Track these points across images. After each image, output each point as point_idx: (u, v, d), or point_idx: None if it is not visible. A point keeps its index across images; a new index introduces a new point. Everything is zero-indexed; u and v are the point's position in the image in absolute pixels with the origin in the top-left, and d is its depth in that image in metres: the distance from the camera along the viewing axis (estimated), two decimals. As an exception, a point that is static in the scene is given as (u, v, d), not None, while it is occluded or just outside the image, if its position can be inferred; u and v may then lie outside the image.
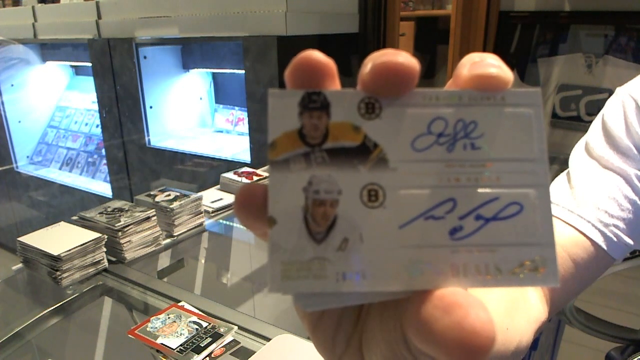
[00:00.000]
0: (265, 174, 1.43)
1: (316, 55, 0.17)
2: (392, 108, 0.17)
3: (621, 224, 0.40)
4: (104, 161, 2.63)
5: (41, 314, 0.93)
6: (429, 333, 0.15)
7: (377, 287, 0.16)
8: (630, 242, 0.41)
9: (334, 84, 0.17)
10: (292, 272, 0.16)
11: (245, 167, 1.51)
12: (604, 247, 0.40)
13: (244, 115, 2.36)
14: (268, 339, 0.79)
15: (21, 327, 0.90)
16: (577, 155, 0.46)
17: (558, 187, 0.44)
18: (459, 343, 0.14)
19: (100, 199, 2.51)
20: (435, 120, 0.17)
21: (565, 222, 0.41)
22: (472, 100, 0.17)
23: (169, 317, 0.83)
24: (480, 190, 0.17)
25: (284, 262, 0.16)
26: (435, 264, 0.16)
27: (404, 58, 0.16)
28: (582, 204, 0.41)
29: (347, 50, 1.98)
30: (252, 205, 0.17)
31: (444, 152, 0.17)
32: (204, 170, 2.12)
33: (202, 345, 0.77)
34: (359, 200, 0.16)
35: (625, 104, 0.44)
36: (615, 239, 0.40)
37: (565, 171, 0.46)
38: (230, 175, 1.43)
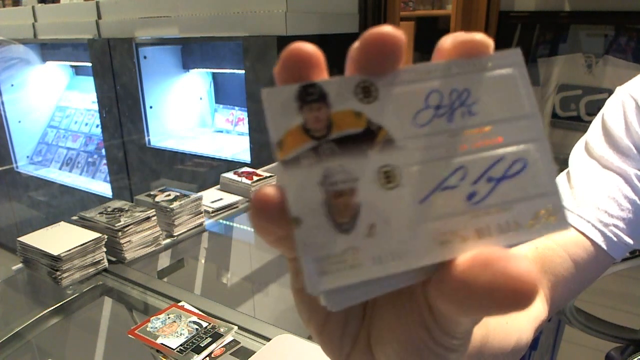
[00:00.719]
0: (265, 174, 1.43)
1: (303, 46, 0.17)
2: (388, 88, 0.17)
3: (621, 224, 0.40)
4: (104, 161, 2.63)
5: (41, 314, 0.93)
6: (473, 291, 0.15)
7: (412, 265, 0.16)
8: (630, 241, 0.41)
9: (323, 74, 0.17)
10: (328, 267, 0.16)
11: (245, 167, 1.51)
12: (604, 247, 0.40)
13: (244, 115, 2.36)
14: (268, 339, 0.79)
15: (21, 327, 0.90)
16: (577, 155, 0.46)
17: None
18: (506, 291, 0.14)
19: (100, 199, 2.51)
20: (431, 93, 0.17)
21: None
22: (460, 68, 0.17)
23: (169, 317, 0.83)
24: (485, 153, 0.17)
25: (318, 259, 0.16)
26: (461, 231, 0.16)
27: (389, 28, 0.17)
28: (582, 203, 0.41)
29: (347, 50, 1.97)
30: (270, 210, 0.16)
31: (445, 123, 0.17)
32: (204, 170, 2.12)
33: (202, 345, 0.77)
34: (376, 183, 0.17)
35: (625, 103, 0.43)
36: (615, 238, 0.40)
37: (565, 171, 0.46)
38: (230, 175, 1.43)
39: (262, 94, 0.17)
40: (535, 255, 0.39)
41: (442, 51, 0.18)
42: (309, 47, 0.17)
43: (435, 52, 0.18)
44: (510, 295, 0.14)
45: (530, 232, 0.17)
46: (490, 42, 0.18)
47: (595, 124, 0.46)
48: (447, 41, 0.18)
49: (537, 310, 0.36)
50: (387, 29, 0.16)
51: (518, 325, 0.31)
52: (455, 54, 0.17)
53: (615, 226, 0.40)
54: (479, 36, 0.17)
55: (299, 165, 0.16)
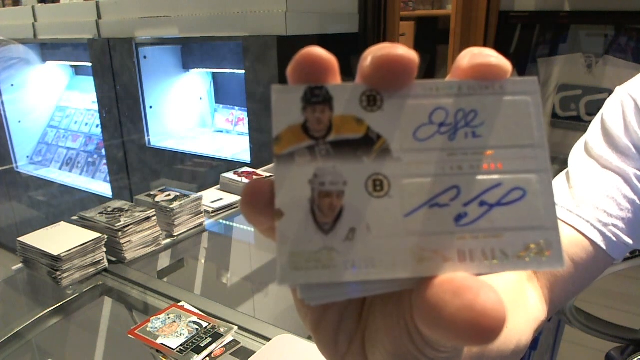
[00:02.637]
0: (265, 174, 1.43)
1: (317, 51, 0.17)
2: (394, 100, 0.17)
3: (620, 224, 0.40)
4: (104, 161, 2.63)
5: (41, 314, 0.93)
6: (439, 317, 0.15)
7: (385, 275, 0.16)
8: (630, 241, 0.41)
9: (335, 79, 0.18)
10: (301, 263, 0.16)
11: (245, 167, 1.51)
12: (604, 247, 0.40)
13: (244, 115, 2.36)
14: (268, 339, 0.79)
15: (21, 327, 0.90)
16: (576, 154, 0.46)
17: (557, 187, 0.44)
18: (470, 325, 0.14)
19: (100, 199, 2.51)
20: (436, 110, 0.17)
21: (564, 222, 0.41)
22: (471, 90, 0.17)
23: (169, 317, 0.83)
24: (483, 177, 0.17)
25: (292, 253, 0.16)
26: (442, 251, 0.16)
27: (403, 50, 0.17)
28: (581, 203, 0.41)
29: (347, 50, 1.98)
30: (259, 201, 0.17)
31: (445, 141, 0.17)
32: (204, 170, 2.12)
33: (202, 345, 0.77)
34: (364, 190, 0.17)
35: (624, 103, 0.43)
36: (614, 238, 0.40)
37: (565, 171, 0.46)
38: (230, 175, 1.43)
39: (271, 89, 0.17)
40: None
41: (459, 70, 0.18)
42: (323, 52, 0.17)
43: (453, 68, 0.18)
44: (473, 329, 0.14)
45: (515, 264, 0.16)
46: (509, 67, 0.17)
47: (595, 124, 0.46)
48: (465, 60, 0.18)
49: (537, 311, 0.36)
50: (401, 50, 0.16)
51: (517, 328, 0.31)
52: (471, 75, 0.17)
53: (615, 226, 0.40)
54: (499, 61, 0.17)
55: (292, 162, 0.17)
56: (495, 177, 0.17)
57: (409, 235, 0.16)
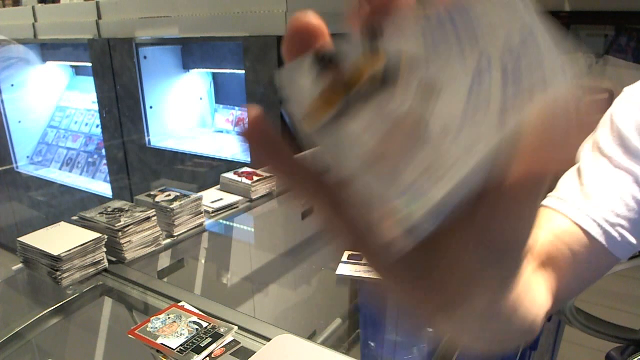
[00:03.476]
0: (265, 174, 1.43)
1: (303, 19, 0.17)
2: (389, 23, 0.17)
3: (626, 224, 0.40)
4: (104, 161, 2.63)
5: (41, 314, 0.93)
6: None
7: (491, 143, 0.16)
8: (634, 241, 0.41)
9: (326, 39, 0.18)
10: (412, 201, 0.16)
11: (245, 167, 1.51)
12: (609, 246, 0.40)
13: (244, 115, 2.36)
14: (268, 339, 0.79)
15: (21, 327, 0.90)
16: (587, 152, 0.46)
17: (568, 183, 0.44)
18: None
19: (100, 199, 2.51)
20: (429, 17, 0.17)
21: (571, 219, 0.41)
22: None
23: (169, 317, 0.83)
24: (497, 43, 0.16)
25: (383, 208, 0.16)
26: (514, 105, 0.16)
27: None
28: (590, 202, 0.41)
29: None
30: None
31: (449, 28, 0.17)
32: (204, 170, 2.12)
33: (202, 345, 0.77)
34: (423, 98, 0.16)
35: (633, 104, 0.44)
36: (619, 238, 0.40)
37: (575, 166, 0.46)
38: (230, 175, 1.43)
39: (279, 75, 0.17)
40: (540, 250, 0.39)
41: None
42: (309, 20, 0.17)
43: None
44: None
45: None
46: None
47: (604, 124, 0.46)
48: None
49: (544, 300, 0.36)
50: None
51: (535, 305, 0.32)
52: None
53: (621, 226, 0.40)
54: None
55: (340, 122, 0.16)
56: (507, 40, 0.16)
57: (480, 110, 0.16)
